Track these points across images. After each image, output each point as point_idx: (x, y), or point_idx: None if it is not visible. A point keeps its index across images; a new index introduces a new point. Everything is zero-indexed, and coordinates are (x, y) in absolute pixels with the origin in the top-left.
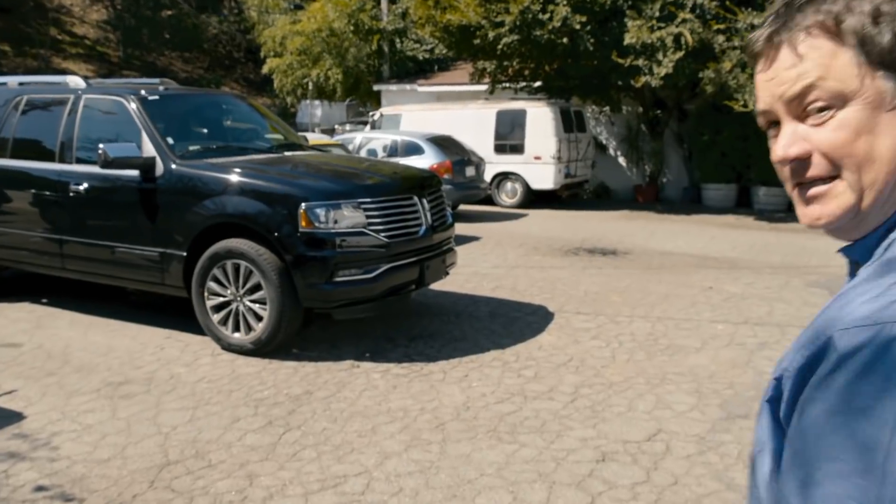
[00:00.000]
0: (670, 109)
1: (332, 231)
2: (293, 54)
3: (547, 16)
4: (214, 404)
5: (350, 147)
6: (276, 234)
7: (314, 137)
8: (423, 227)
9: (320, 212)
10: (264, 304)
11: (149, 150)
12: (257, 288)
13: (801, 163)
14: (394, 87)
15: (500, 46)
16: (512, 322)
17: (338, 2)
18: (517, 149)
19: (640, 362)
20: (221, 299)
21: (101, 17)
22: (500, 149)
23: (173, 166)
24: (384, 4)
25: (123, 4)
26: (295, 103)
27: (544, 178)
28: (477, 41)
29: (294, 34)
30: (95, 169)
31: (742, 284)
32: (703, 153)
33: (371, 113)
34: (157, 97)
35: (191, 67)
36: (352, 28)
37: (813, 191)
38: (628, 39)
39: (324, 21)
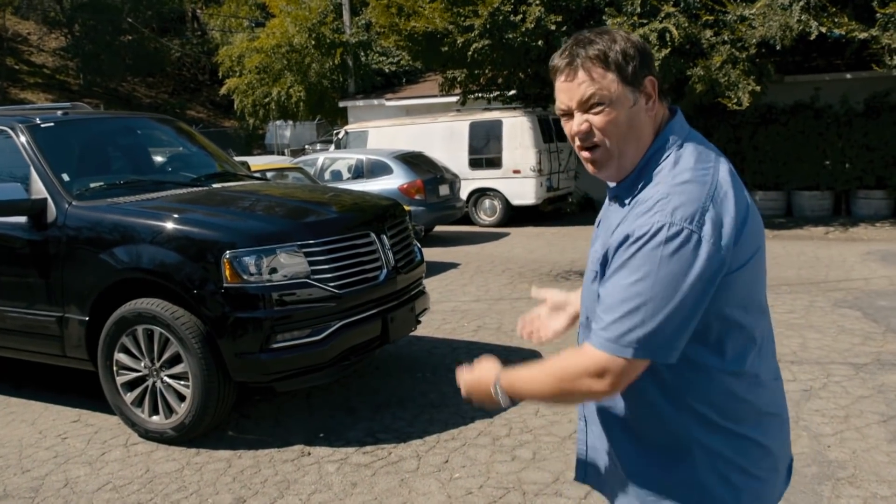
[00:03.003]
0: None
1: (266, 284)
2: (251, 73)
3: (519, 17)
4: None
5: (312, 170)
6: (194, 291)
7: (266, 161)
8: (384, 271)
9: (249, 260)
10: (187, 379)
11: (39, 189)
12: (177, 359)
13: (586, 135)
14: (360, 103)
15: (469, 53)
16: None
17: (297, 16)
18: (494, 163)
19: None
20: (135, 374)
21: (59, 44)
22: (475, 163)
23: (68, 209)
24: (346, 16)
25: (81, 31)
26: (258, 124)
27: (525, 192)
28: (445, 49)
29: (252, 51)
30: None
31: None
32: None
33: (335, 131)
34: (51, 124)
35: (155, 92)
36: (313, 42)
37: (593, 154)
38: None
39: (283, 36)
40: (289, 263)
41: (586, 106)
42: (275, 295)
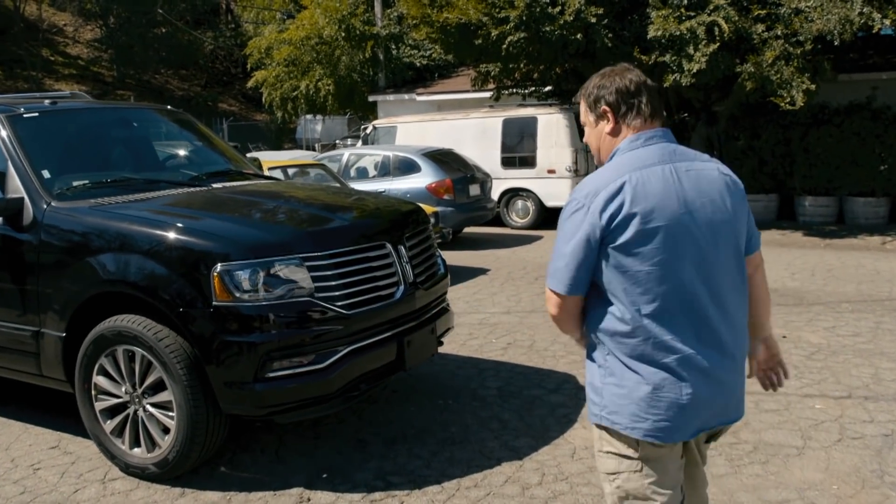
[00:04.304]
0: (698, 112)
1: (262, 303)
2: (280, 65)
3: (557, 9)
4: None
5: (336, 166)
6: (179, 309)
7: (288, 157)
8: (401, 287)
9: (242, 275)
10: (172, 409)
11: (16, 187)
12: (161, 386)
13: (586, 143)
14: (391, 97)
15: (504, 46)
16: (531, 405)
17: (327, 7)
18: (528, 162)
19: (722, 480)
20: (115, 400)
21: (94, 36)
22: (508, 162)
23: (46, 210)
24: (377, 8)
25: (116, 23)
26: (287, 118)
27: (560, 193)
28: (478, 41)
29: (280, 43)
30: None
31: (822, 330)
32: (738, 160)
33: (363, 126)
34: (35, 115)
35: (187, 85)
36: (343, 34)
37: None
38: (653, 32)
39: (313, 28)
40: (289, 279)
41: (582, 124)
42: (271, 315)
